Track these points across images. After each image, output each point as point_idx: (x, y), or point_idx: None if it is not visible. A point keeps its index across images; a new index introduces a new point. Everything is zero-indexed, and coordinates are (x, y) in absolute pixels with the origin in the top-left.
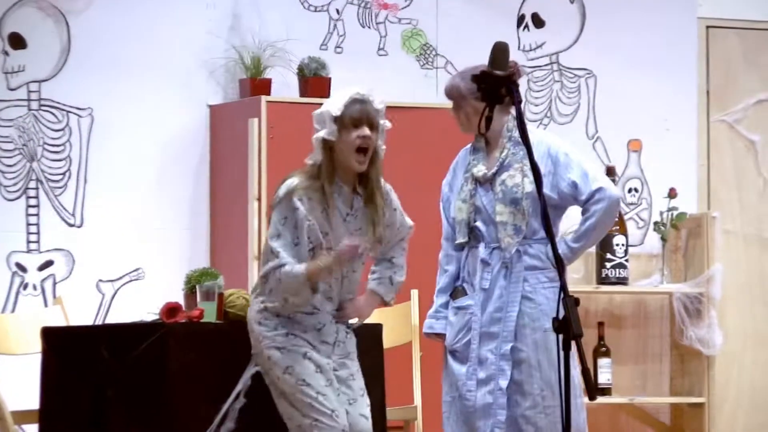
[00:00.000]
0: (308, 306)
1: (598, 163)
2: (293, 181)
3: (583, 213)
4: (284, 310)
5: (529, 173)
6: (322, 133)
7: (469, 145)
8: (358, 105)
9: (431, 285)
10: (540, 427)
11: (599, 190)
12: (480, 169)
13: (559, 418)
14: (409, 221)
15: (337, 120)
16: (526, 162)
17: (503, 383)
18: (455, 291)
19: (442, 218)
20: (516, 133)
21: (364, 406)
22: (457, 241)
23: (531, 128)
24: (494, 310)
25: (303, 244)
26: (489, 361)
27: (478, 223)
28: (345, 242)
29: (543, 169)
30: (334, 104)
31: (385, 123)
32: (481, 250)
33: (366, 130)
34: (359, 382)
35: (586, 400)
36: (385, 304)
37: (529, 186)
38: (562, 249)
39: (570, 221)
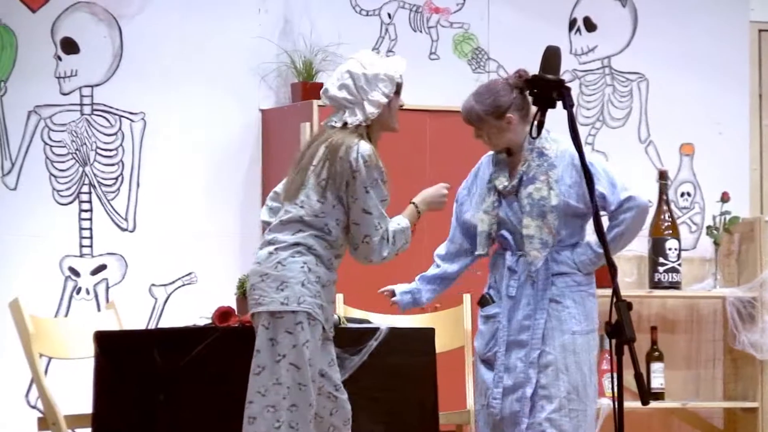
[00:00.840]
0: (335, 278)
1: (650, 167)
2: (365, 144)
3: (610, 220)
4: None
5: (555, 186)
6: (382, 94)
7: (492, 153)
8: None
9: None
10: (564, 431)
11: (628, 199)
12: (502, 182)
13: (583, 422)
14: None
15: (396, 85)
16: (552, 173)
17: (529, 391)
18: (482, 299)
19: (453, 219)
20: (539, 143)
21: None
22: (477, 252)
23: (555, 135)
24: (523, 317)
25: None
26: (518, 369)
27: (504, 232)
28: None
29: (568, 179)
30: (393, 69)
31: None
32: (508, 258)
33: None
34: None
35: (636, 404)
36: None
37: (555, 199)
38: (587, 253)
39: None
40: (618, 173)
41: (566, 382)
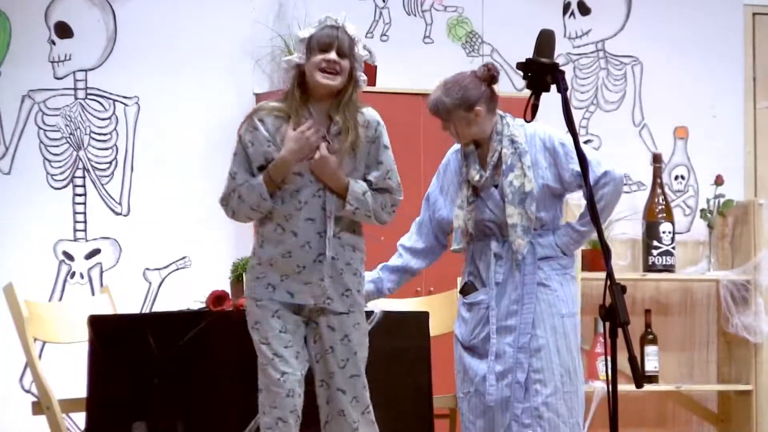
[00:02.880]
0: (283, 249)
1: (644, 150)
2: (260, 104)
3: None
4: (262, 248)
5: (529, 171)
6: (292, 57)
7: (457, 147)
8: (327, 30)
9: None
10: (561, 414)
11: (605, 174)
12: (474, 175)
13: (576, 404)
14: (395, 178)
15: (306, 43)
16: (524, 160)
17: (521, 376)
18: (465, 287)
19: (421, 217)
20: (507, 131)
21: (344, 379)
22: (453, 248)
23: (519, 121)
24: (510, 302)
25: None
26: (507, 354)
27: (489, 223)
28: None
29: (544, 162)
30: (306, 29)
31: (361, 52)
32: (494, 246)
33: (332, 55)
34: (343, 351)
35: (630, 387)
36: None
37: (529, 185)
38: (569, 234)
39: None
40: (588, 148)
41: (558, 365)
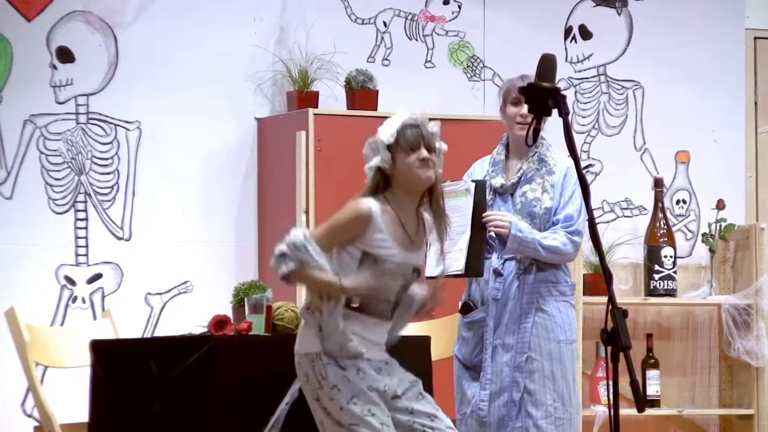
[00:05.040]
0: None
1: (646, 174)
2: (362, 200)
3: (551, 231)
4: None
5: (550, 189)
6: (375, 161)
7: (487, 157)
8: (410, 129)
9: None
10: None
11: (575, 232)
12: (498, 180)
13: (568, 430)
14: None
15: (391, 147)
16: (548, 179)
17: (516, 395)
18: (465, 306)
19: None
20: (542, 151)
21: (448, 421)
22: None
23: (554, 149)
24: (509, 321)
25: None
26: (504, 373)
27: (492, 233)
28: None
29: (559, 189)
30: (385, 132)
31: (442, 145)
32: (494, 260)
33: (425, 152)
34: (428, 397)
35: (631, 411)
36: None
37: (549, 202)
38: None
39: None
40: (583, 212)
41: (552, 390)
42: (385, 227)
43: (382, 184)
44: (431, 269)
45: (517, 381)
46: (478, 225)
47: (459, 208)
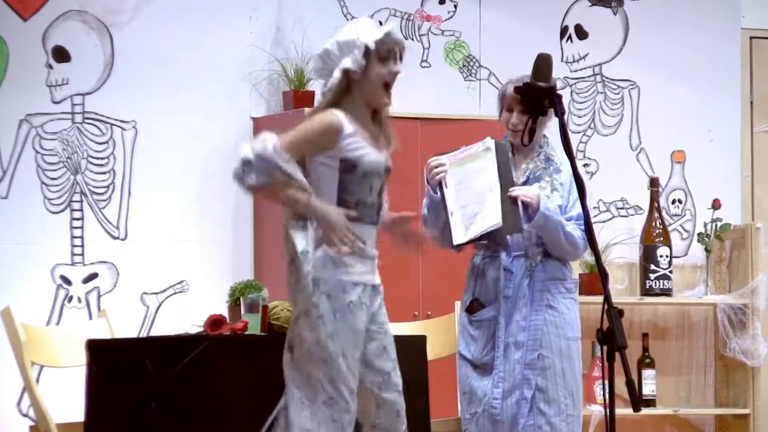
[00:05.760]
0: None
1: (641, 174)
2: (327, 112)
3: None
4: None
5: (559, 188)
6: (346, 63)
7: None
8: (392, 40)
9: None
10: None
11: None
12: None
13: (577, 428)
14: None
15: (368, 52)
16: (557, 177)
17: (528, 393)
18: (472, 305)
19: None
20: (548, 149)
21: (398, 380)
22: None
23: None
24: (520, 318)
25: None
26: (516, 371)
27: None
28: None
29: (567, 187)
30: (365, 34)
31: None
32: (503, 259)
33: (398, 67)
34: (392, 353)
35: (627, 411)
36: None
37: (559, 200)
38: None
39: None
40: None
41: (563, 387)
42: (353, 130)
43: (347, 92)
44: (460, 235)
45: (528, 378)
46: (508, 181)
47: (482, 170)
